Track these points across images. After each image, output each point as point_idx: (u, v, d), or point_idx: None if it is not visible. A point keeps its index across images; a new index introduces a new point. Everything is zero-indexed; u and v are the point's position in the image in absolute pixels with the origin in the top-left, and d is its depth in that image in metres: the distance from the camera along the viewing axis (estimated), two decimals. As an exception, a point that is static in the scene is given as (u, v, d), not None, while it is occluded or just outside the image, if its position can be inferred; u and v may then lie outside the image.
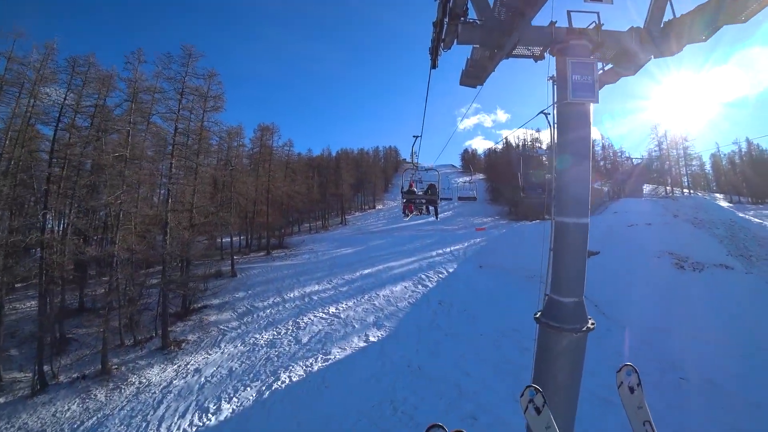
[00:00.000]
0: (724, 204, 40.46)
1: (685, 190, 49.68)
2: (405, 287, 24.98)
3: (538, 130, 68.96)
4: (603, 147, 65.21)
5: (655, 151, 51.29)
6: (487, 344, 16.78)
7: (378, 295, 23.89)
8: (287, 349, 18.47)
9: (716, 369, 14.84)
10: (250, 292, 27.84)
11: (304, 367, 16.59)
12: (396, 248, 38.37)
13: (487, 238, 37.31)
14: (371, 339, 18.38)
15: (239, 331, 21.36)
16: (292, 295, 25.91)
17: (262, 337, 20.10)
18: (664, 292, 19.51)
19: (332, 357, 17.17)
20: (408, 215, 11.92)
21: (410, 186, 11.99)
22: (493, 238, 36.23)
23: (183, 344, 20.39)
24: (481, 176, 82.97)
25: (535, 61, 4.49)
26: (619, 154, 63.34)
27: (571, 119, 3.99)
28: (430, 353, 16.76)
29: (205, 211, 28.31)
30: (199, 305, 25.87)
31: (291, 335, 19.82)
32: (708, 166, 65.29)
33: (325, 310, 22.36)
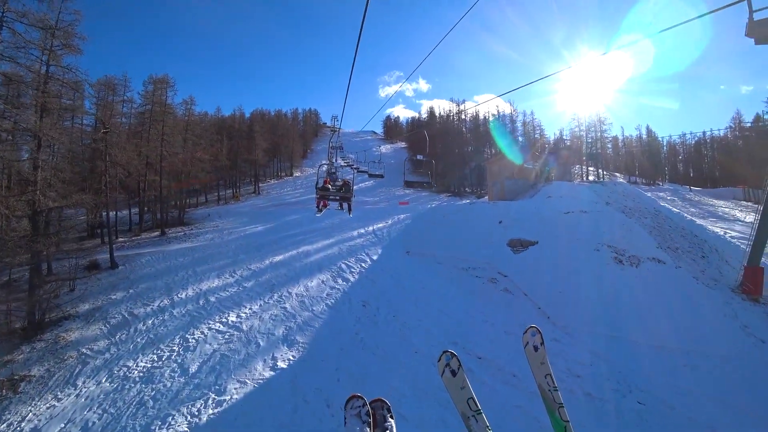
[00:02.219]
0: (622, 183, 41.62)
1: (601, 172, 50.94)
2: (322, 281, 21.04)
3: (461, 103, 67.04)
4: (524, 123, 65.24)
5: (574, 130, 51.81)
6: (424, 367, 13.60)
7: (290, 294, 19.71)
8: (168, 384, 13.80)
9: (670, 387, 13.21)
10: (131, 291, 22.10)
11: (189, 417, 12.18)
12: (313, 225, 33.98)
13: (412, 215, 34.34)
14: (280, 364, 14.33)
15: (107, 355, 16.11)
16: (184, 295, 20.78)
17: (137, 365, 15.13)
18: (609, 291, 17.76)
19: (228, 396, 12.91)
20: (321, 210, 11.81)
21: (325, 183, 11.76)
22: (419, 215, 33.31)
23: (21, 383, 14.69)
24: (403, 145, 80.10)
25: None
26: (539, 130, 63.80)
27: None
28: (355, 383, 13.23)
29: (63, 191, 21.36)
30: (57, 315, 19.79)
31: (176, 360, 15.10)
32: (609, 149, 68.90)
33: (224, 319, 17.77)
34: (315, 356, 14.65)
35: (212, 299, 19.82)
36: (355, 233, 29.91)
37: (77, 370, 15.31)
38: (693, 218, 29.49)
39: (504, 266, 20.63)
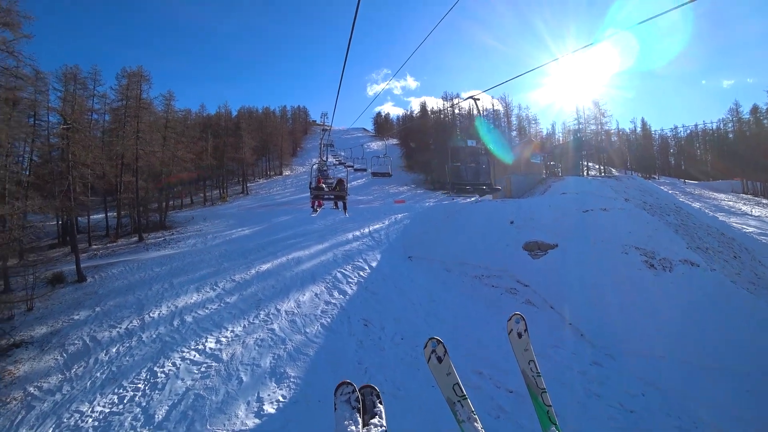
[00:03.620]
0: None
1: (602, 167, 48.70)
2: (316, 295, 18.15)
3: (456, 96, 64.18)
4: (518, 117, 62.77)
5: (574, 124, 49.48)
6: (447, 408, 10.90)
7: (279, 311, 16.78)
8: (127, 437, 10.91)
9: (736, 419, 10.71)
10: (97, 309, 19.00)
11: (148, 488, 9.32)
12: (304, 227, 31.08)
13: (411, 214, 31.54)
14: (267, 408, 11.45)
15: (58, 396, 13.08)
16: (157, 314, 17.74)
17: (93, 410, 12.13)
18: (645, 301, 15.23)
19: (201, 456, 10.07)
20: (316, 210, 11.67)
21: (318, 182, 11.60)
22: (417, 214, 30.54)
23: (-57, 437, 11.68)
24: (394, 141, 77.18)
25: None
26: (534, 124, 61.37)
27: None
28: None
29: (19, 194, 18.03)
30: (7, 343, 16.67)
31: (140, 404, 12.14)
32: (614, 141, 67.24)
33: (201, 345, 14.80)
34: (310, 396, 11.79)
35: (188, 319, 16.81)
36: (350, 236, 27.03)
37: (19, 417, 12.27)
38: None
39: (523, 273, 17.98)
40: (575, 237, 19.27)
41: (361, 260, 21.94)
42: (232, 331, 15.44)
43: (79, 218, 33.56)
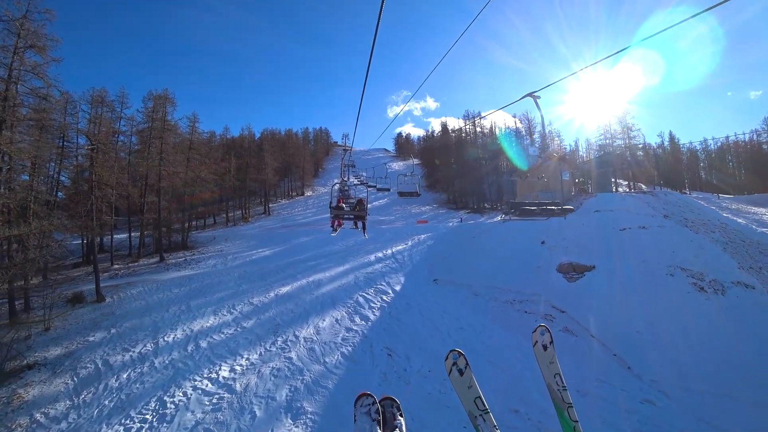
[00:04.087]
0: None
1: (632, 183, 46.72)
2: (336, 320, 17.10)
3: (476, 116, 63.38)
4: (542, 135, 61.32)
5: (600, 139, 47.84)
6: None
7: (297, 337, 15.77)
8: (130, 478, 9.95)
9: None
10: (113, 331, 18.42)
11: None
12: (325, 248, 30.29)
13: (434, 235, 30.43)
14: (282, 448, 10.38)
15: (64, 425, 12.29)
16: (172, 337, 17.00)
17: (96, 442, 11.31)
18: (697, 328, 13.65)
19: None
20: (336, 230, 11.42)
21: (339, 202, 11.63)
22: (441, 235, 29.40)
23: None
24: (416, 161, 76.63)
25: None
26: (557, 140, 59.78)
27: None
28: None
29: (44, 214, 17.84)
30: (21, 363, 16.16)
31: (146, 437, 11.24)
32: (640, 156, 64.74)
33: (214, 373, 13.87)
34: (329, 435, 10.65)
35: (203, 344, 15.97)
36: (372, 257, 26.04)
37: (21, 448, 11.52)
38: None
39: (558, 298, 16.54)
40: (614, 258, 17.81)
41: (383, 283, 20.86)
42: (248, 359, 14.48)
43: (104, 238, 33.76)
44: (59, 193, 28.33)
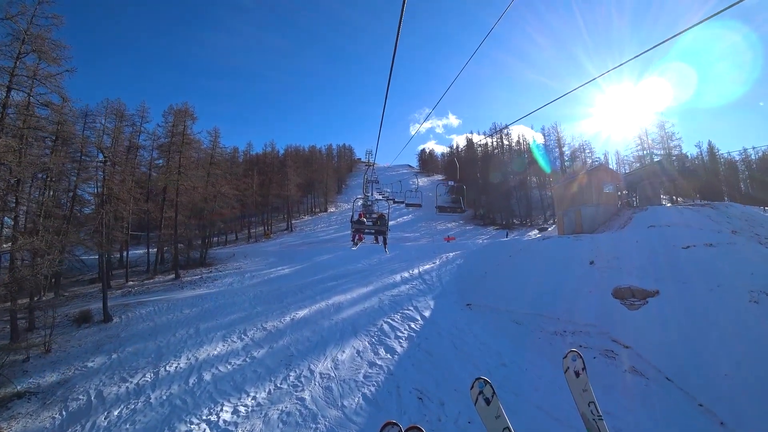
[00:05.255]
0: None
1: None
2: (358, 352, 14.82)
3: (502, 128, 60.91)
4: (571, 148, 58.39)
5: (638, 150, 44.70)
6: None
7: (312, 373, 13.57)
8: None
9: None
10: (114, 356, 16.70)
11: None
12: (347, 266, 28.23)
13: (464, 253, 27.95)
14: None
15: (35, 473, 10.43)
16: (174, 367, 15.09)
17: (66, 501, 9.32)
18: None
19: None
20: (356, 244, 11.36)
21: (360, 216, 11.43)
22: (471, 254, 26.89)
23: None
24: (440, 177, 74.44)
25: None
26: (589, 153, 56.63)
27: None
28: None
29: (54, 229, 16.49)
30: (12, 390, 14.55)
31: (125, 498, 9.18)
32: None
33: (214, 414, 11.78)
34: (345, 507, 8.32)
35: (207, 377, 13.96)
36: (398, 278, 23.78)
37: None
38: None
39: (619, 330, 13.84)
40: (680, 280, 15.01)
41: (411, 308, 18.55)
42: (254, 398, 12.34)
43: (124, 253, 32.69)
44: (85, 209, 27.42)
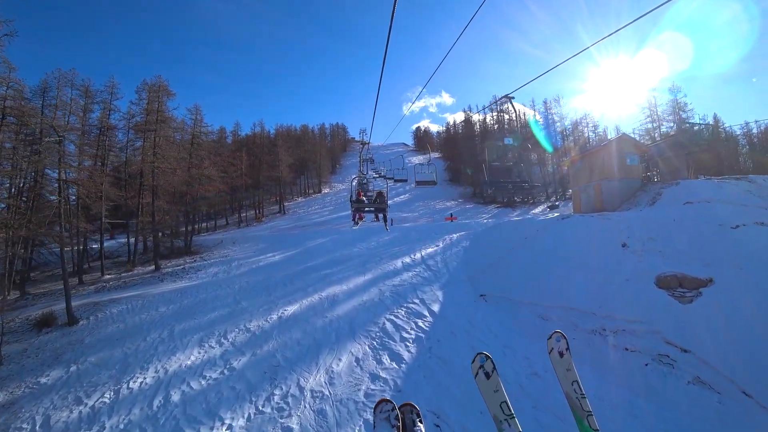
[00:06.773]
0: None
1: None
2: (357, 361, 12.24)
3: (503, 100, 57.74)
4: (574, 123, 55.44)
5: (646, 121, 41.82)
6: None
7: (302, 390, 10.99)
8: None
9: None
10: (72, 368, 14.09)
11: None
12: (343, 251, 25.64)
13: (469, 234, 25.34)
14: None
15: None
16: (139, 382, 12.51)
17: None
18: None
19: None
20: (357, 223, 11.40)
21: (359, 195, 11.20)
22: (479, 235, 24.30)
23: None
24: (437, 155, 71.33)
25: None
26: (592, 127, 53.72)
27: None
28: None
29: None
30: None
31: None
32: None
33: (181, 452, 9.25)
34: None
35: (175, 397, 11.36)
36: (399, 263, 21.18)
37: None
38: None
39: (671, 328, 11.31)
40: (736, 266, 12.44)
41: (416, 300, 15.97)
42: (229, 427, 9.77)
43: (103, 243, 29.78)
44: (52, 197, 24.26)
